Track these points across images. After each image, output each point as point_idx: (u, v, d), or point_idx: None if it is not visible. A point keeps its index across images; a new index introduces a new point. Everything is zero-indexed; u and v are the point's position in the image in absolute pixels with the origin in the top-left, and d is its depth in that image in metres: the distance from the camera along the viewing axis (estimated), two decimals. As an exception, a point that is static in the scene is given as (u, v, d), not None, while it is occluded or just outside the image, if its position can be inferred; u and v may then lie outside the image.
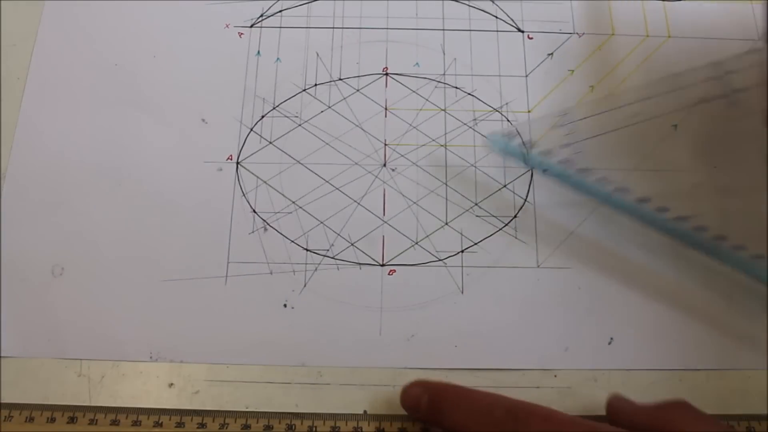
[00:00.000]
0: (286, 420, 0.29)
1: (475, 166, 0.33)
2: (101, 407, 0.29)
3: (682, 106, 0.33)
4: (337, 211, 0.32)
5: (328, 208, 0.33)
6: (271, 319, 0.31)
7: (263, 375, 0.30)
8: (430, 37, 0.36)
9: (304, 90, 0.35)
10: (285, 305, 0.31)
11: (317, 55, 0.36)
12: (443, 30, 0.37)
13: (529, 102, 0.35)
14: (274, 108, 0.35)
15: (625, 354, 0.30)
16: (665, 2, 0.37)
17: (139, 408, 0.29)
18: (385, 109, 0.35)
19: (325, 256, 0.32)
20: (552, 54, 0.36)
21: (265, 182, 0.33)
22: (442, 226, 0.32)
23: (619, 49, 0.36)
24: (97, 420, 0.29)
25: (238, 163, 0.33)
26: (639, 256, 0.32)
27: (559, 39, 0.36)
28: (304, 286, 0.31)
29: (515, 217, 0.32)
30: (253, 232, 0.32)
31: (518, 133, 0.34)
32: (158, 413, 0.29)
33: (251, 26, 0.37)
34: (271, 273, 0.31)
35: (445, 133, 0.34)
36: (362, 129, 0.34)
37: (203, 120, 0.34)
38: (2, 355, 0.30)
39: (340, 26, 0.37)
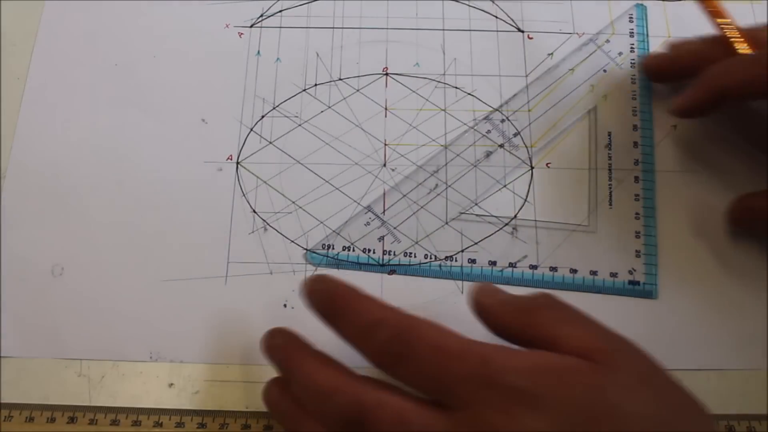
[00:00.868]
0: (286, 420, 0.29)
1: (475, 166, 0.33)
2: (101, 407, 0.29)
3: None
4: (337, 211, 0.32)
5: (328, 208, 0.33)
6: (271, 319, 0.31)
7: (263, 375, 0.30)
8: (430, 37, 0.36)
9: (304, 90, 0.35)
10: (285, 305, 0.31)
11: (317, 55, 0.36)
12: (443, 30, 0.37)
13: (529, 102, 0.35)
14: (274, 108, 0.35)
15: (625, 354, 0.30)
16: (665, 2, 0.37)
17: (139, 408, 0.29)
18: (385, 109, 0.35)
19: (325, 256, 0.32)
20: (552, 54, 0.36)
21: (265, 182, 0.33)
22: (442, 226, 0.32)
23: (619, 49, 0.36)
24: (97, 420, 0.29)
25: (238, 163, 0.33)
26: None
27: (559, 39, 0.36)
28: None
29: (515, 217, 0.32)
30: (253, 232, 0.32)
31: (518, 133, 0.34)
32: (158, 413, 0.29)
33: (251, 26, 0.37)
34: (271, 273, 0.31)
35: (445, 133, 0.34)
36: (362, 129, 0.34)
37: (203, 120, 0.34)
38: (2, 355, 0.30)
39: (340, 26, 0.37)
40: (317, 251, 0.32)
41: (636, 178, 0.33)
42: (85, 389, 0.30)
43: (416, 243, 0.32)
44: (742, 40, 0.30)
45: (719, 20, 0.31)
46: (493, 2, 0.37)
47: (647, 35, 0.36)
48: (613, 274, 0.31)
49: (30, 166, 0.34)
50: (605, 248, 0.32)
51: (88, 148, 0.34)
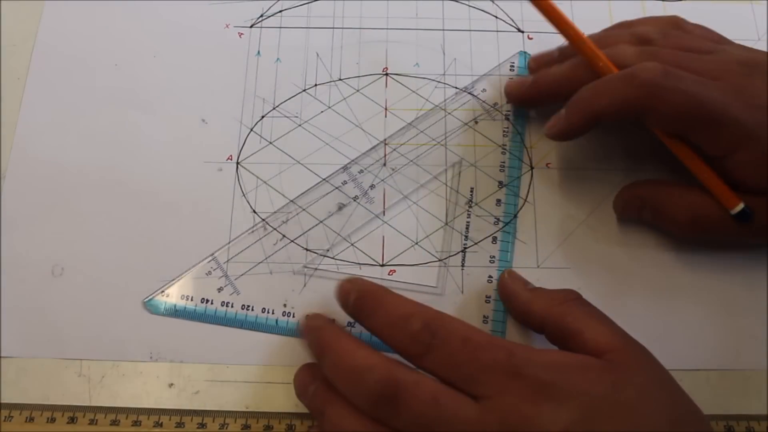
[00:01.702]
0: (286, 420, 0.29)
1: (475, 166, 0.33)
2: (101, 407, 0.29)
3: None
4: (337, 210, 0.32)
5: (329, 208, 0.33)
6: (270, 319, 0.31)
7: (263, 375, 0.30)
8: (430, 37, 0.36)
9: (304, 90, 0.35)
10: (285, 305, 0.31)
11: (317, 55, 0.36)
12: (443, 30, 0.37)
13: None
14: (274, 108, 0.35)
15: (625, 354, 0.30)
16: (665, 2, 0.37)
17: (139, 408, 0.29)
18: (385, 109, 0.35)
19: (325, 256, 0.32)
20: (552, 54, 0.36)
21: (265, 182, 0.33)
22: (442, 226, 0.32)
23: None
24: (97, 420, 0.29)
25: (238, 163, 0.33)
26: (639, 257, 0.32)
27: (559, 39, 0.36)
28: (304, 286, 0.31)
29: (515, 217, 0.32)
30: (253, 232, 0.32)
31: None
32: (158, 413, 0.29)
33: (251, 26, 0.37)
34: (270, 273, 0.31)
35: (445, 133, 0.34)
36: (362, 129, 0.34)
37: (203, 120, 0.34)
38: (2, 355, 0.30)
39: (340, 26, 0.37)
40: (318, 251, 0.32)
41: (494, 239, 0.32)
42: (85, 389, 0.30)
43: (416, 243, 0.32)
44: (601, 59, 0.29)
45: (575, 39, 0.30)
46: (493, 2, 0.37)
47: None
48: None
49: (30, 166, 0.34)
50: (451, 312, 0.30)
51: (88, 148, 0.34)
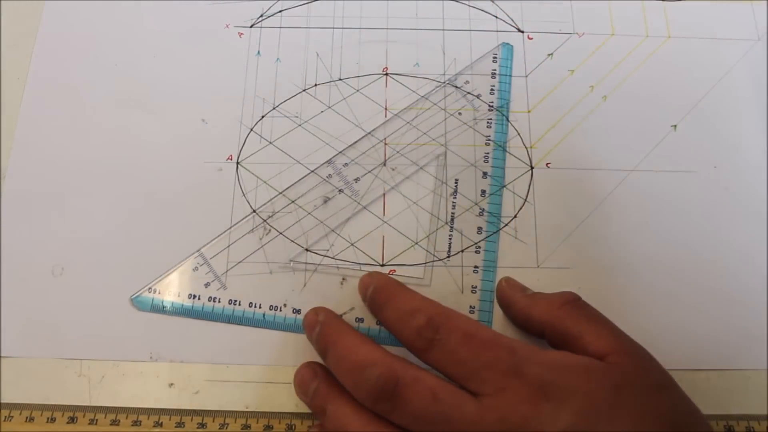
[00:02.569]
0: (286, 420, 0.29)
1: (475, 166, 0.33)
2: (101, 407, 0.29)
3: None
4: (337, 211, 0.32)
5: (328, 208, 0.33)
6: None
7: (263, 375, 0.30)
8: (430, 37, 0.36)
9: (304, 90, 0.35)
10: (285, 305, 0.31)
11: (317, 55, 0.36)
12: (443, 30, 0.37)
13: (529, 102, 0.35)
14: (274, 108, 0.35)
15: (625, 354, 0.30)
16: (665, 2, 0.37)
17: (139, 408, 0.29)
18: (385, 109, 0.35)
19: (325, 256, 0.32)
20: (552, 54, 0.36)
21: (265, 182, 0.33)
22: (442, 226, 0.32)
23: (619, 49, 0.36)
24: (97, 420, 0.29)
25: (238, 163, 0.33)
26: (639, 256, 0.32)
27: (559, 39, 0.36)
28: (304, 286, 0.31)
29: (515, 217, 0.32)
30: (253, 232, 0.32)
31: (518, 133, 0.34)
32: (158, 413, 0.29)
33: (251, 26, 0.37)
34: (270, 273, 0.31)
35: (445, 133, 0.34)
36: (362, 129, 0.34)
37: (203, 120, 0.34)
38: (2, 355, 0.30)
39: (340, 26, 0.37)
40: (318, 251, 0.32)
41: (479, 229, 0.32)
42: (85, 389, 0.30)
43: (416, 243, 0.32)
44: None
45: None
46: (493, 2, 0.37)
47: (510, 76, 0.35)
48: None
49: (30, 166, 0.34)
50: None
51: (88, 148, 0.34)
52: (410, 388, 0.23)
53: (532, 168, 0.33)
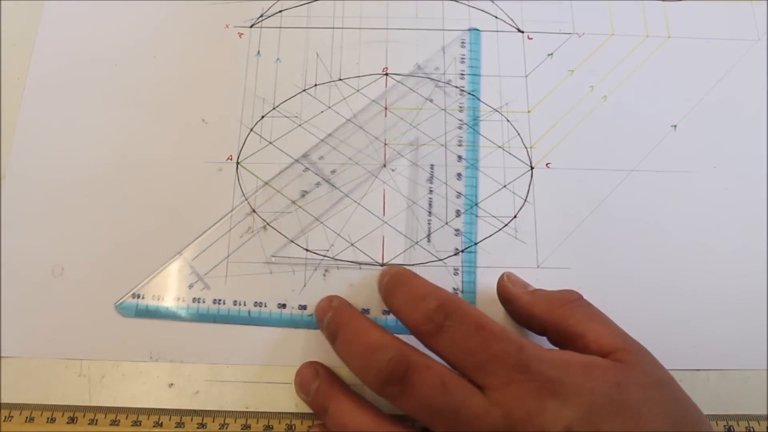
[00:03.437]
0: (286, 420, 0.29)
1: (475, 166, 0.33)
2: (101, 407, 0.29)
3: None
4: (337, 211, 0.32)
5: (329, 208, 0.33)
6: (270, 319, 0.31)
7: (263, 375, 0.30)
8: (430, 37, 0.36)
9: (304, 90, 0.35)
10: (285, 305, 0.31)
11: (317, 55, 0.36)
12: (443, 30, 0.37)
13: (529, 102, 0.35)
14: (274, 108, 0.35)
15: (625, 354, 0.30)
16: (665, 2, 0.37)
17: (139, 408, 0.29)
18: (385, 108, 0.35)
19: (325, 256, 0.32)
20: (552, 54, 0.36)
21: (265, 182, 0.33)
22: (442, 226, 0.32)
23: (619, 49, 0.36)
24: (97, 420, 0.29)
25: (238, 163, 0.33)
26: (639, 256, 0.32)
27: (559, 39, 0.36)
28: (304, 286, 0.31)
29: (515, 217, 0.32)
30: (253, 231, 0.32)
31: (518, 134, 0.34)
32: (158, 413, 0.29)
33: (251, 26, 0.37)
34: (270, 273, 0.31)
35: (445, 133, 0.34)
36: (362, 129, 0.34)
37: (203, 120, 0.34)
38: (2, 355, 0.30)
39: (340, 26, 0.37)
40: (318, 251, 0.32)
41: (457, 212, 0.32)
42: (85, 389, 0.30)
43: (416, 243, 0.32)
44: None
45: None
46: (493, 2, 0.37)
47: (480, 60, 0.35)
48: None
49: (30, 166, 0.34)
50: None
51: (87, 148, 0.34)
52: (421, 374, 0.23)
53: (532, 168, 0.33)
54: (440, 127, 0.34)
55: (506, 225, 0.32)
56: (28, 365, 0.30)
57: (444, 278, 0.31)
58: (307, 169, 0.33)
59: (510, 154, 0.34)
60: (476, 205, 0.32)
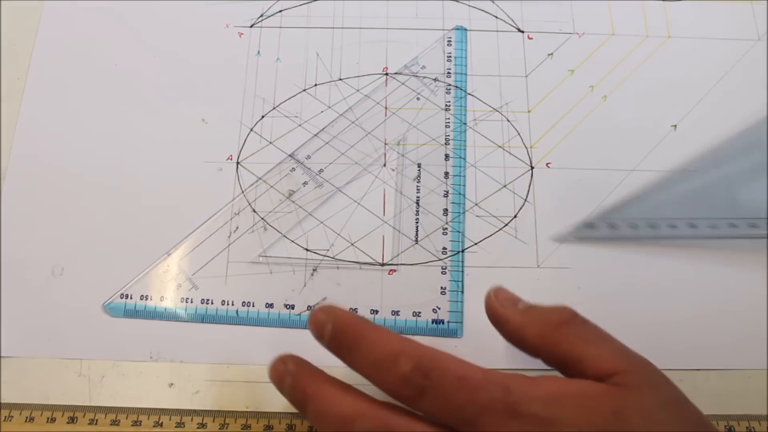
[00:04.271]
0: (286, 420, 0.29)
1: (475, 167, 0.33)
2: (101, 407, 0.29)
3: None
4: (338, 211, 0.32)
5: (329, 208, 0.33)
6: (270, 319, 0.31)
7: (263, 375, 0.30)
8: (430, 37, 0.36)
9: (304, 90, 0.35)
10: (285, 305, 0.31)
11: (317, 55, 0.36)
12: (443, 30, 0.37)
13: (529, 102, 0.35)
14: (274, 108, 0.35)
15: (625, 354, 0.30)
16: (665, 2, 0.37)
17: (139, 408, 0.29)
18: (386, 108, 0.35)
19: (325, 256, 0.32)
20: (552, 54, 0.36)
21: (265, 182, 0.33)
22: (442, 226, 0.32)
23: (619, 49, 0.36)
24: (97, 420, 0.29)
25: (238, 163, 0.33)
26: (639, 256, 0.32)
27: (559, 39, 0.36)
28: (304, 286, 0.31)
29: (515, 217, 0.32)
30: (253, 232, 0.32)
31: (518, 134, 0.34)
32: (158, 413, 0.29)
33: (251, 26, 0.37)
34: (270, 273, 0.31)
35: (445, 133, 0.34)
36: (362, 129, 0.34)
37: (203, 120, 0.34)
38: (2, 355, 0.30)
39: (340, 26, 0.37)
40: (318, 251, 0.32)
41: (445, 211, 0.32)
42: (85, 389, 0.30)
43: (416, 243, 0.32)
44: None
45: None
46: (493, 2, 0.37)
47: (466, 58, 0.35)
48: (416, 314, 0.31)
49: (30, 166, 0.34)
50: (408, 286, 0.31)
51: (87, 148, 0.34)
52: None
53: (532, 168, 0.33)
54: (429, 126, 0.34)
55: (506, 225, 0.32)
56: (28, 365, 0.30)
57: (442, 278, 0.31)
58: (305, 169, 0.33)
59: (510, 153, 0.34)
60: (476, 204, 0.32)
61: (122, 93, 0.35)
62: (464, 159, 0.33)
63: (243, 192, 0.33)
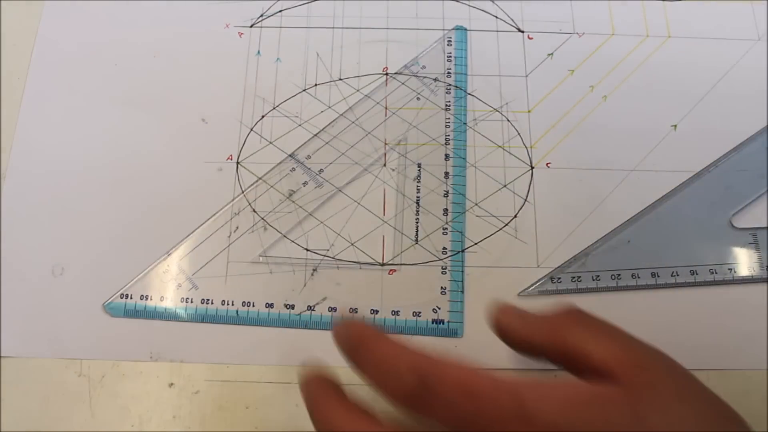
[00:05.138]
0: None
1: (476, 166, 0.33)
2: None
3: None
4: (338, 211, 0.32)
5: (329, 208, 0.33)
6: (270, 319, 0.31)
7: (263, 375, 0.30)
8: (430, 37, 0.36)
9: (304, 90, 0.35)
10: (285, 305, 0.31)
11: (317, 55, 0.36)
12: (443, 30, 0.37)
13: (529, 102, 0.35)
14: (274, 108, 0.35)
15: (625, 354, 0.30)
16: (665, 2, 0.37)
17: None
18: (386, 108, 0.35)
19: (325, 256, 0.32)
20: (552, 54, 0.36)
21: (265, 182, 0.33)
22: (442, 226, 0.32)
23: (619, 49, 0.36)
24: (97, 420, 0.29)
25: (238, 163, 0.33)
26: (638, 256, 0.32)
27: (559, 39, 0.36)
28: (304, 285, 0.31)
29: (515, 217, 0.32)
30: (253, 231, 0.32)
31: (518, 133, 0.34)
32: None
33: (251, 26, 0.37)
34: (270, 273, 0.31)
35: (445, 133, 0.34)
36: (362, 129, 0.34)
37: (203, 120, 0.34)
38: (2, 355, 0.30)
39: (340, 26, 0.37)
40: (318, 251, 0.32)
41: (445, 211, 0.32)
42: (85, 389, 0.30)
43: (416, 243, 0.32)
44: None
45: None
46: (493, 2, 0.37)
47: (466, 58, 0.35)
48: (417, 314, 0.31)
49: (30, 166, 0.34)
50: (408, 286, 0.31)
51: (87, 148, 0.34)
52: None
53: (532, 168, 0.33)
54: (429, 126, 0.34)
55: (506, 225, 0.32)
56: (28, 365, 0.30)
57: (442, 278, 0.31)
58: (305, 169, 0.33)
59: (510, 153, 0.34)
60: (477, 204, 0.32)
61: (122, 93, 0.35)
62: (464, 159, 0.33)
63: (243, 192, 0.33)
